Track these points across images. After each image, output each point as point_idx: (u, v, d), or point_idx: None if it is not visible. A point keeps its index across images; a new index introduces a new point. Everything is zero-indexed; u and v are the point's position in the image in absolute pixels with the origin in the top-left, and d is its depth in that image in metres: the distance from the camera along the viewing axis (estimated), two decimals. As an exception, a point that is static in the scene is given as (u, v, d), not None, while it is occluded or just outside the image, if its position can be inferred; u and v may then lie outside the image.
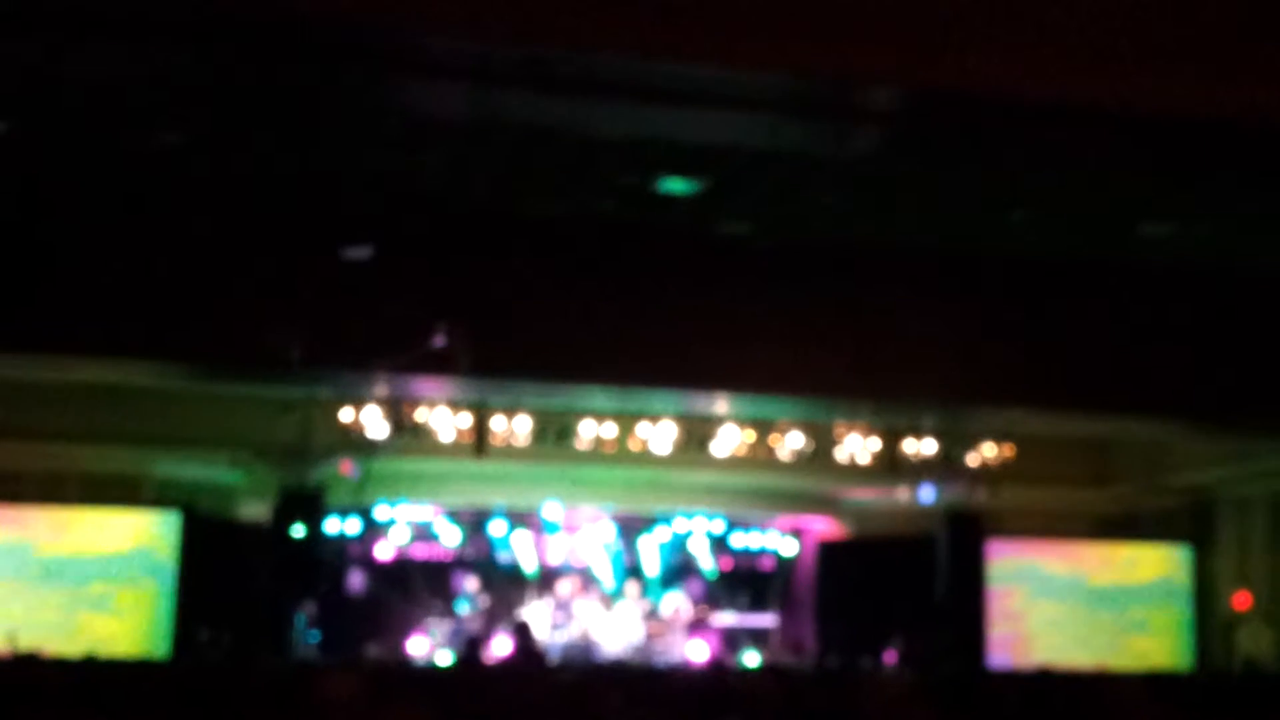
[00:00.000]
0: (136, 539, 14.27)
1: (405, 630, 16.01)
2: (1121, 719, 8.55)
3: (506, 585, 16.59)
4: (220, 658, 13.38)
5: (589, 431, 14.28)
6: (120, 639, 13.77)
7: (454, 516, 16.68)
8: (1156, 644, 15.96)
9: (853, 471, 15.04)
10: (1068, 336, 11.73)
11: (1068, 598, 16.03)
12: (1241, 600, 15.58)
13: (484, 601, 16.35)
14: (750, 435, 14.53)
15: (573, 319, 10.97)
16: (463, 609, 16.26)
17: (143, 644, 13.91)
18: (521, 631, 14.01)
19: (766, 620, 17.48)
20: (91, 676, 10.44)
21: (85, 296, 10.41)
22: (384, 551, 16.62)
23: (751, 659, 16.11)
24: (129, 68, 7.94)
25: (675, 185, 9.86)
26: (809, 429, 14.70)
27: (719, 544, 17.39)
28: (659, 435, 14.28)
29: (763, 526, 17.46)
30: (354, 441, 13.73)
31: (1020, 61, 7.13)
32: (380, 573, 16.64)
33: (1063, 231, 10.71)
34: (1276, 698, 11.02)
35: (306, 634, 14.70)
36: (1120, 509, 16.55)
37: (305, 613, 14.65)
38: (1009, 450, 15.00)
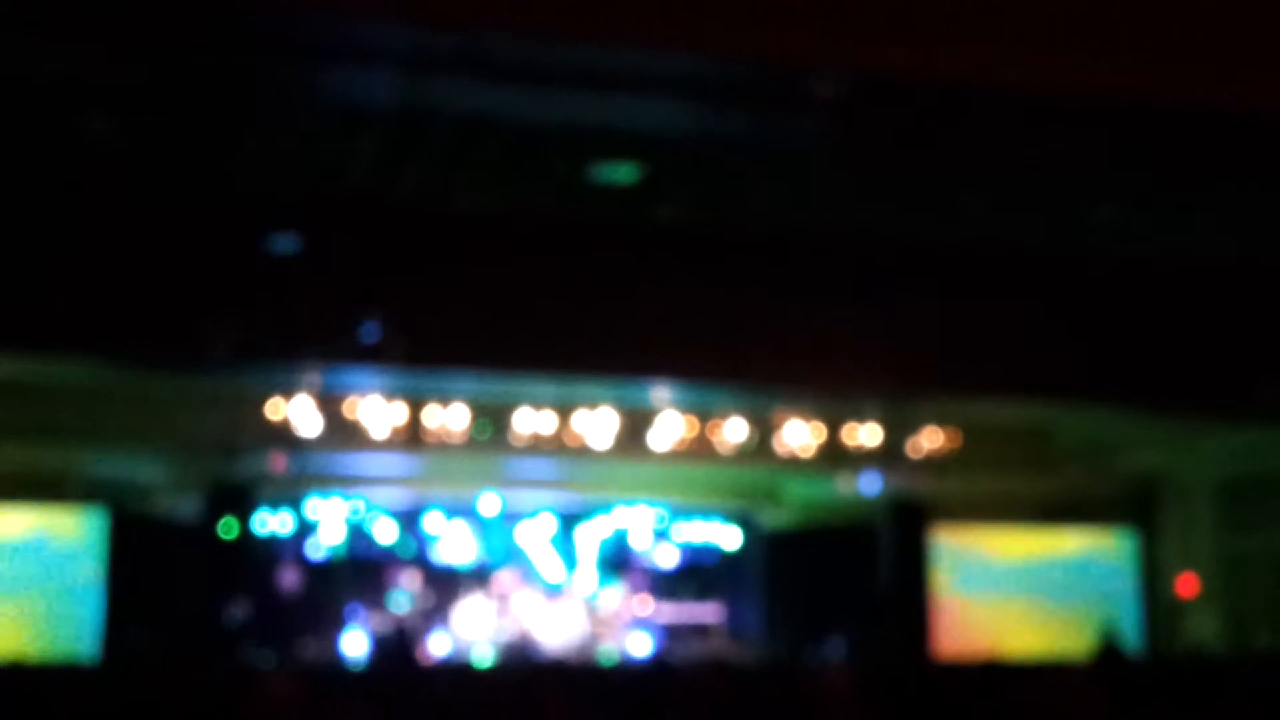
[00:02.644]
0: (59, 537, 13.94)
1: (340, 628, 15.73)
2: (1067, 708, 8.48)
3: (443, 581, 16.31)
4: (151, 659, 13.12)
5: (526, 422, 14.05)
6: (45, 641, 13.45)
7: (388, 510, 16.41)
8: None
9: (795, 461, 14.93)
10: (1012, 324, 11.70)
11: (1011, 584, 16.03)
12: (1186, 585, 15.67)
13: (420, 598, 16.10)
14: (692, 424, 14.36)
15: (509, 308, 10.81)
16: (398, 605, 16.01)
17: (68, 646, 13.58)
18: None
19: (710, 613, 17.31)
20: (17, 681, 10.14)
21: (5, 290, 10.12)
22: (317, 548, 16.30)
23: (695, 652, 15.97)
24: (44, 58, 7.71)
25: (613, 173, 9.72)
26: (751, 418, 14.58)
27: (661, 536, 17.21)
28: (598, 425, 14.08)
29: (705, 517, 17.29)
30: (284, 435, 13.47)
31: (962, 47, 7.06)
32: (313, 569, 16.28)
33: (1007, 219, 10.67)
34: (1220, 682, 11.04)
35: (239, 633, 14.44)
36: (1064, 494, 16.58)
37: (238, 611, 14.40)
38: (952, 437, 14.95)
